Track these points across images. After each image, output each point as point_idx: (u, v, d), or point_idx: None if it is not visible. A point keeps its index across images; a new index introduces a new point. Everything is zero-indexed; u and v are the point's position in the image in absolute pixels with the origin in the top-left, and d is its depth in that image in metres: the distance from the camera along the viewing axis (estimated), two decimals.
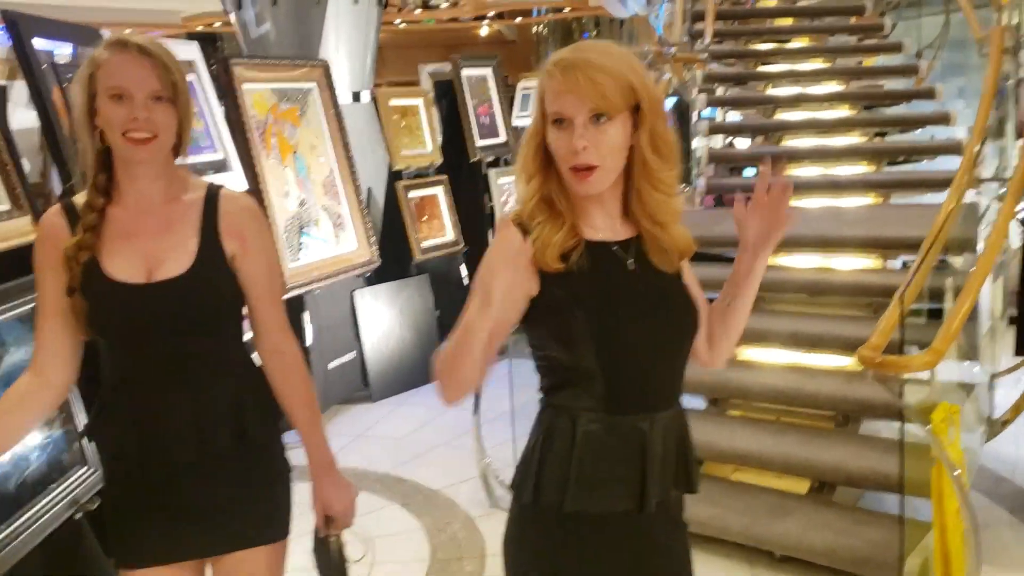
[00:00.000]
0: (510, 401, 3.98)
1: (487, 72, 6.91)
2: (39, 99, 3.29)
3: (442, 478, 4.36)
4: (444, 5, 15.01)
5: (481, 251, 1.60)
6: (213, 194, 1.83)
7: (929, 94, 6.28)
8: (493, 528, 3.76)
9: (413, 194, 6.13)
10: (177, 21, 12.04)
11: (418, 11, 14.86)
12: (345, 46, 6.37)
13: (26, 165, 3.63)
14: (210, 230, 1.79)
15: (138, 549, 1.83)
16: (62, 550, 2.70)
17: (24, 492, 2.64)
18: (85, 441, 2.82)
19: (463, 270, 6.49)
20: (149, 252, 1.75)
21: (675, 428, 1.61)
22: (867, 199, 5.71)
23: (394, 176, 6.18)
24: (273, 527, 1.90)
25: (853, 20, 7.45)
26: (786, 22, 7.52)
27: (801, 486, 3.74)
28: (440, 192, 6.31)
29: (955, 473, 2.83)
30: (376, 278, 5.81)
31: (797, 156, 6.16)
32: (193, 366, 1.79)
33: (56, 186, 4.01)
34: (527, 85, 11.60)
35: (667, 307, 1.57)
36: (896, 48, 6.90)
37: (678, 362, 1.61)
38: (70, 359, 1.79)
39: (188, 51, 4.67)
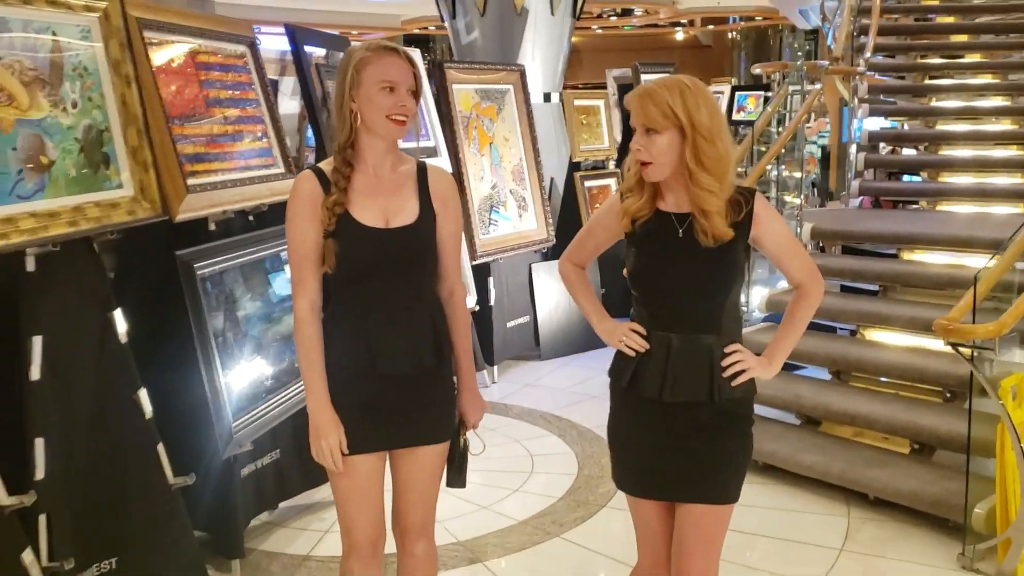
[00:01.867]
0: None
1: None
2: (307, 91, 4.36)
3: (594, 420, 5.18)
4: (639, 12, 15.74)
5: None
6: (423, 167, 2.37)
7: None
8: None
9: (589, 184, 7.00)
10: (397, 24, 13.43)
11: (613, 18, 15.68)
12: (540, 53, 7.31)
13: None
14: (425, 194, 2.32)
15: (348, 440, 2.29)
16: None
17: (294, 369, 3.68)
18: None
19: None
20: (385, 207, 2.27)
21: (703, 351, 2.18)
22: (1016, 208, 6.04)
23: (573, 167, 7.06)
24: (450, 427, 2.43)
25: None
26: (960, 38, 7.78)
27: (903, 446, 4.30)
28: (613, 184, 7.13)
29: (1015, 436, 3.33)
30: (552, 255, 6.70)
31: (953, 165, 6.55)
32: (406, 297, 2.30)
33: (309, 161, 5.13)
34: (717, 89, 12.28)
35: (698, 266, 2.15)
36: None
37: (705, 303, 2.19)
38: (321, 289, 2.31)
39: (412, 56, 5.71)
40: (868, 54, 6.38)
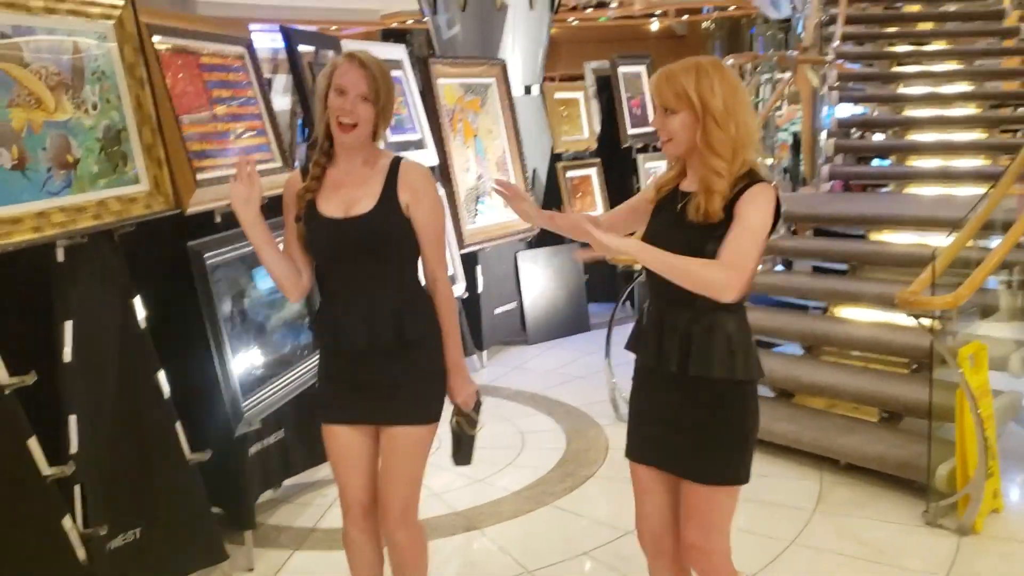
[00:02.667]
0: None
1: (640, 69, 7.90)
2: (301, 89, 4.55)
3: (580, 399, 5.43)
4: (615, 4, 15.96)
5: None
6: (396, 161, 2.48)
7: None
8: (616, 433, 4.76)
9: (570, 174, 7.23)
10: (376, 19, 13.58)
11: (589, 10, 15.90)
12: (520, 47, 7.52)
13: None
14: (391, 185, 2.43)
15: (325, 410, 2.53)
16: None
17: (295, 353, 3.90)
18: None
19: None
20: (348, 198, 2.42)
21: (672, 321, 2.25)
22: (979, 189, 6.32)
23: (555, 158, 7.29)
24: (424, 411, 2.51)
25: (1008, 23, 7.86)
26: (926, 26, 8.06)
27: (873, 415, 4.56)
28: (594, 173, 7.38)
29: (972, 400, 3.59)
30: (536, 243, 6.94)
31: (919, 149, 6.83)
32: (368, 282, 2.43)
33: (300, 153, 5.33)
34: None
35: (675, 242, 2.17)
36: None
37: None
38: (307, 265, 2.52)
39: (397, 52, 5.93)
40: (836, 43, 6.64)
